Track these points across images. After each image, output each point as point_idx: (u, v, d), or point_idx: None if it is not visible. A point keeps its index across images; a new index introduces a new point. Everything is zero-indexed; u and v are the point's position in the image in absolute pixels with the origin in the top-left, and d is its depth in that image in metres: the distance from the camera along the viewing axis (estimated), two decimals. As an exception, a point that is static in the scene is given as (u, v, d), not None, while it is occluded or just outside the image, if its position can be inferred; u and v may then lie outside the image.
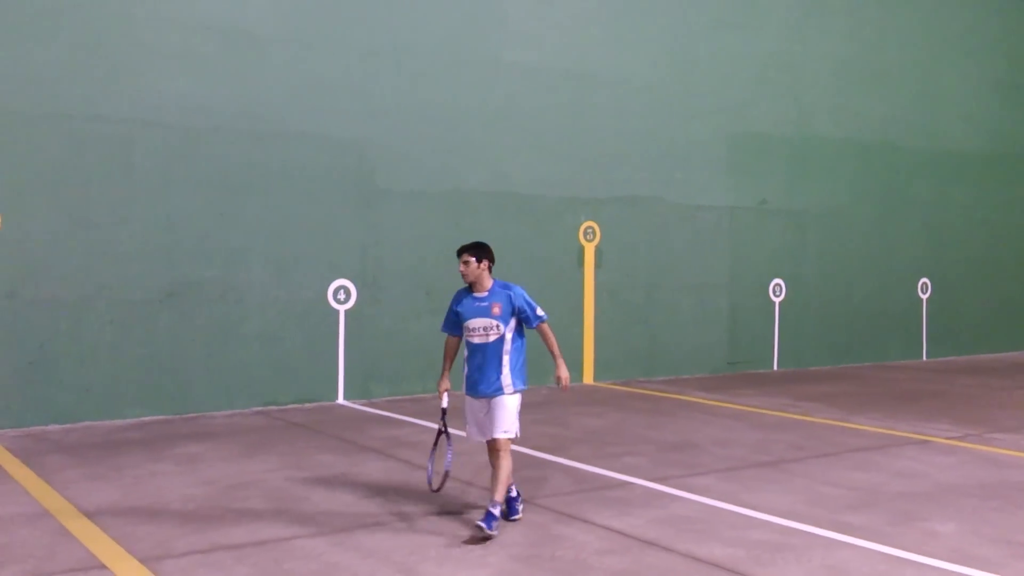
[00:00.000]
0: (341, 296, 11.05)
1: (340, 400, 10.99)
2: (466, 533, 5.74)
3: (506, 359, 5.92)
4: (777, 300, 14.71)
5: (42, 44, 9.32)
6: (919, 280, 16.41)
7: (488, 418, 5.92)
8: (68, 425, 9.32)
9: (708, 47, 13.99)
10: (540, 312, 6.07)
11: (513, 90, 12.28)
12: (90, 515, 6.09)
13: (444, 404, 6.24)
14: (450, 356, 6.19)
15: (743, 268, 14.36)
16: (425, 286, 11.61)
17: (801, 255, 15.01)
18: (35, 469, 7.40)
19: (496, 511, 5.65)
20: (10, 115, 9.16)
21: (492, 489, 5.78)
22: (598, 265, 13.00)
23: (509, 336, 5.94)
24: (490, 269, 6.04)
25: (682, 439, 8.86)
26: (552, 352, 6.17)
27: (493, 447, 5.90)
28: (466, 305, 6.00)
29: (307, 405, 10.67)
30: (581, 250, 12.91)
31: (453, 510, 6.30)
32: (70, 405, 9.41)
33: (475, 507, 6.37)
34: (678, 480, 7.18)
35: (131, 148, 9.77)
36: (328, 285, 10.96)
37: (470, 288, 6.05)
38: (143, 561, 5.19)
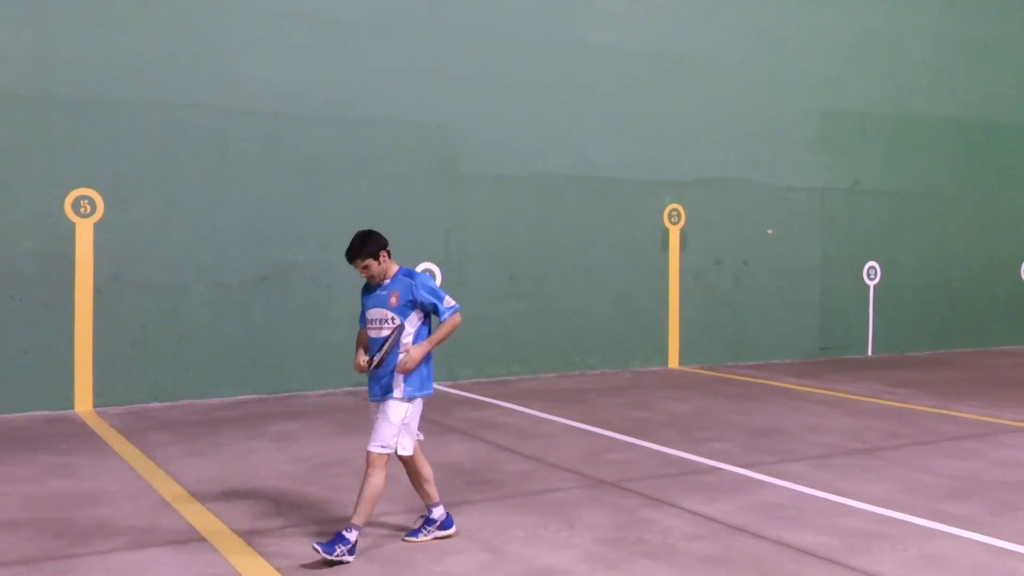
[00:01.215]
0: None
1: (427, 382, 11.12)
2: (555, 515, 5.77)
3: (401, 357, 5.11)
4: (872, 283, 14.30)
5: (142, 35, 9.64)
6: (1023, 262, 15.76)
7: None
8: (169, 403, 9.68)
9: (798, 22, 13.63)
10: (449, 302, 5.17)
11: (597, 71, 12.19)
12: (190, 489, 6.33)
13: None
14: (360, 348, 5.31)
15: (835, 251, 14.00)
16: (509, 270, 11.66)
17: (897, 237, 14.55)
18: (138, 445, 7.71)
19: (350, 536, 4.89)
20: (114, 105, 9.51)
21: (353, 509, 5.04)
22: (683, 248, 12.85)
23: (410, 330, 5.14)
24: (389, 254, 5.21)
25: (772, 425, 8.72)
26: (433, 334, 5.20)
27: (366, 459, 5.11)
28: (367, 294, 5.27)
29: (395, 386, 10.83)
30: (665, 233, 12.77)
31: (540, 490, 6.33)
32: (171, 384, 9.77)
33: (563, 489, 6.39)
34: (768, 466, 7.08)
35: (226, 136, 10.05)
36: (414, 268, 11.08)
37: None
38: (240, 534, 5.37)
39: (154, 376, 9.67)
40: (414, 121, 11.04)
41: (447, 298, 5.20)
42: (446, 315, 5.16)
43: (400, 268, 5.26)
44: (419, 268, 11.09)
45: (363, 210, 10.74)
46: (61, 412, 9.17)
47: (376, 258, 5.14)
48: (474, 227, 11.45)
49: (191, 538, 5.32)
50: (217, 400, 9.87)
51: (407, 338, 5.14)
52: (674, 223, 12.81)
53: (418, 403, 5.23)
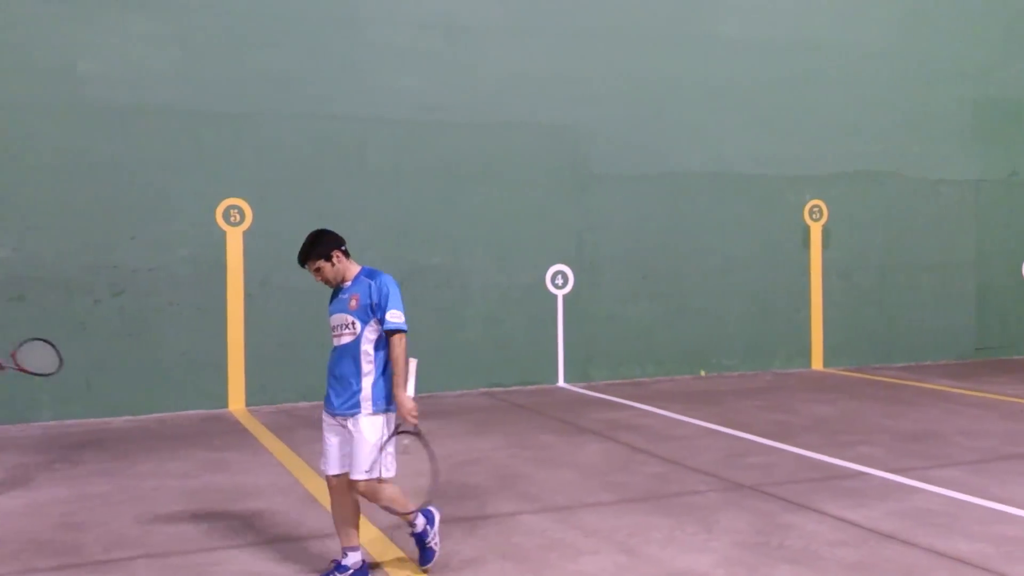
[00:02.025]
0: (559, 281, 11.21)
1: (560, 383, 11.17)
2: (692, 518, 5.67)
3: (367, 367, 4.65)
4: (1032, 280, 13.42)
5: (284, 52, 10.07)
6: None
7: (348, 448, 4.70)
8: (315, 402, 10.04)
9: (947, 6, 12.94)
10: (395, 318, 4.58)
11: (732, 65, 11.92)
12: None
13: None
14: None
15: (992, 246, 13.21)
16: (642, 270, 11.55)
17: (1060, 230, 13.61)
18: (287, 442, 8.05)
19: (429, 541, 4.78)
20: (260, 118, 9.97)
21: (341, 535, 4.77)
22: (825, 246, 12.40)
23: (372, 337, 4.65)
24: (347, 254, 4.76)
25: (923, 429, 8.30)
26: (395, 375, 4.66)
27: (352, 486, 4.69)
28: (333, 299, 4.82)
29: (529, 387, 10.92)
30: (807, 230, 12.36)
31: (677, 492, 6.24)
32: (316, 384, 10.10)
33: (700, 492, 6.27)
34: (919, 472, 6.74)
35: (364, 144, 10.38)
36: (546, 270, 11.15)
37: None
38: (382, 529, 5.53)
39: (301, 376, 10.07)
40: (545, 123, 11.10)
41: (398, 312, 4.60)
42: (390, 328, 4.60)
43: (362, 268, 4.78)
44: (551, 270, 11.14)
45: (495, 213, 10.87)
46: (216, 411, 9.67)
47: (328, 259, 4.68)
48: (606, 227, 11.40)
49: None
50: (359, 400, 10.16)
51: (367, 344, 4.65)
52: (815, 220, 12.39)
53: (391, 418, 4.74)
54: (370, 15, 10.42)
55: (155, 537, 5.45)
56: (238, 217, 9.88)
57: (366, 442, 4.62)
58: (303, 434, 8.39)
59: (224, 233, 9.83)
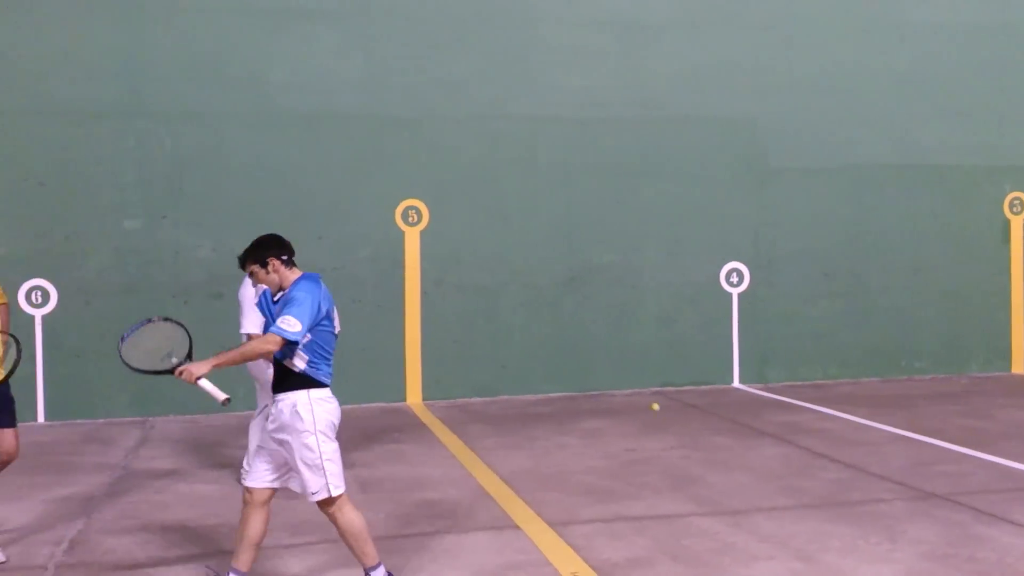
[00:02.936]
0: (734, 279, 10.93)
1: (735, 383, 10.88)
2: (876, 527, 5.38)
3: (296, 377, 4.32)
4: None
5: (458, 56, 10.32)
6: None
7: (290, 465, 4.35)
8: (488, 398, 10.27)
9: None
10: (285, 324, 4.17)
11: (921, 51, 11.24)
12: (505, 479, 6.66)
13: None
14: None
15: None
16: (823, 267, 11.08)
17: None
18: (461, 436, 8.25)
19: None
20: (436, 121, 10.26)
21: (357, 552, 4.39)
22: (1029, 240, 11.48)
23: (304, 342, 4.29)
24: (287, 263, 4.44)
25: None
26: (223, 356, 4.27)
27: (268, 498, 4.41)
28: (264, 308, 4.57)
29: (702, 387, 10.70)
30: (1006, 224, 11.48)
31: (859, 500, 5.95)
32: (489, 380, 10.36)
33: (885, 500, 5.95)
34: None
35: (536, 143, 10.49)
36: (720, 268, 10.89)
37: None
38: (551, 524, 5.56)
39: (474, 372, 10.29)
40: (720, 117, 10.84)
41: (292, 320, 4.19)
42: (271, 330, 4.26)
43: (303, 275, 4.45)
44: (726, 268, 10.88)
45: (668, 210, 10.72)
46: (395, 404, 10.04)
47: (263, 265, 4.40)
48: (785, 223, 11.01)
49: (505, 525, 5.60)
50: (531, 396, 10.31)
51: (298, 359, 4.31)
52: (1016, 213, 11.49)
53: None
54: (541, 17, 10.51)
55: (337, 522, 5.71)
56: (415, 218, 10.21)
57: (312, 458, 4.30)
58: (475, 429, 8.57)
59: (403, 233, 10.19)
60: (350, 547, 4.40)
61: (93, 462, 7.48)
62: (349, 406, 9.88)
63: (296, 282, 4.39)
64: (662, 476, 6.70)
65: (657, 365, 10.70)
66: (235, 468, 7.07)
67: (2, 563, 5.05)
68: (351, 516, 4.34)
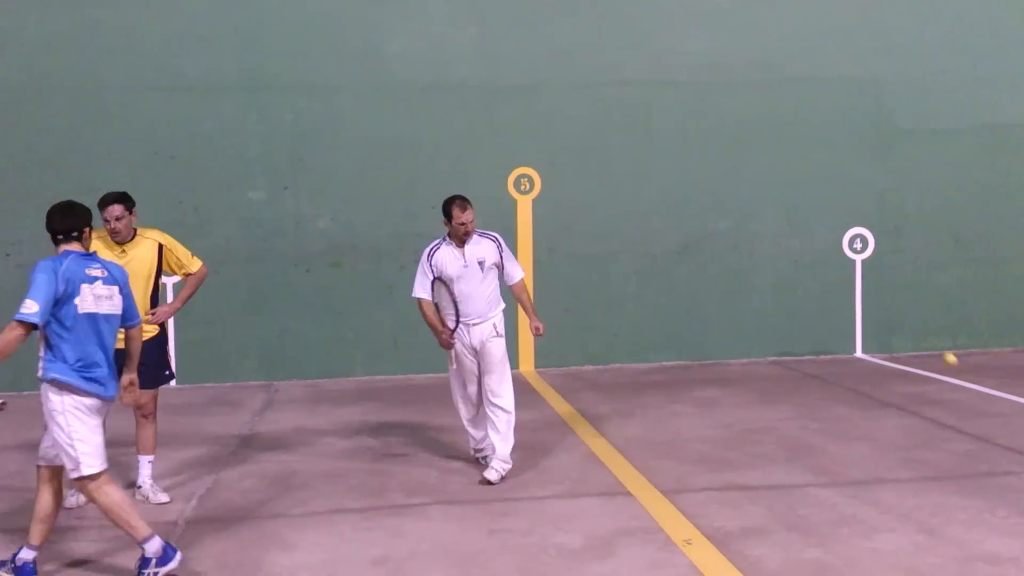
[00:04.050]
0: (857, 245, 10.54)
1: (858, 353, 10.52)
2: (1005, 501, 5.14)
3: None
4: None
5: (571, 22, 10.20)
6: None
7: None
8: (600, 366, 10.25)
9: None
10: (22, 307, 4.08)
11: (1066, 1, 10.51)
12: (618, 447, 6.65)
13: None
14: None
15: None
16: (954, 232, 10.57)
17: None
18: (573, 403, 8.27)
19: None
20: (549, 89, 10.19)
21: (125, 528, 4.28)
22: None
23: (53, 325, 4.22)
24: (89, 232, 4.44)
25: None
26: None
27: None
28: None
29: (822, 357, 10.40)
30: None
31: (987, 472, 5.69)
32: (601, 349, 10.33)
33: (1015, 473, 5.67)
34: None
35: (649, 109, 10.32)
36: (843, 234, 10.52)
37: None
38: (663, 492, 5.53)
39: (587, 341, 10.28)
40: (842, 77, 10.41)
41: (29, 302, 4.06)
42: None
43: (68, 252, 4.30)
44: (849, 234, 10.51)
45: (786, 175, 10.41)
46: (507, 371, 10.12)
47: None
48: (912, 187, 10.54)
49: (617, 491, 5.60)
50: (644, 365, 10.23)
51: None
52: None
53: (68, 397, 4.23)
54: (655, -23, 10.31)
55: (451, 486, 5.83)
56: (528, 186, 10.22)
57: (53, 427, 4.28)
58: (588, 397, 8.57)
59: (515, 201, 10.22)
60: (116, 525, 4.31)
61: (221, 423, 7.84)
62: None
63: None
64: (778, 446, 6.56)
65: (774, 334, 10.45)
66: (356, 428, 7.30)
67: (166, 503, 5.53)
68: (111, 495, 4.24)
